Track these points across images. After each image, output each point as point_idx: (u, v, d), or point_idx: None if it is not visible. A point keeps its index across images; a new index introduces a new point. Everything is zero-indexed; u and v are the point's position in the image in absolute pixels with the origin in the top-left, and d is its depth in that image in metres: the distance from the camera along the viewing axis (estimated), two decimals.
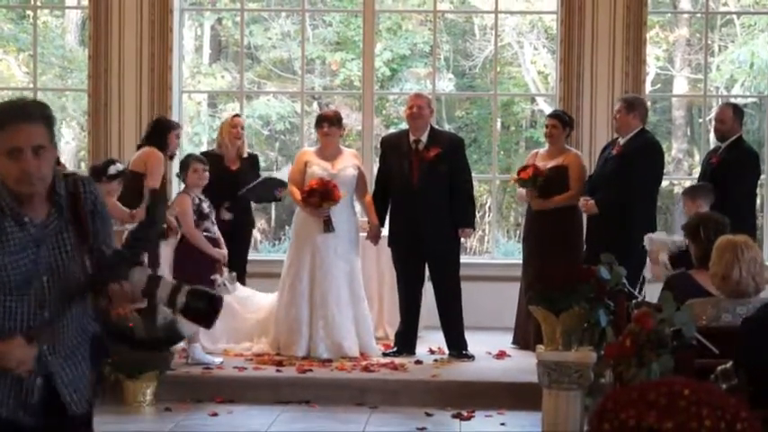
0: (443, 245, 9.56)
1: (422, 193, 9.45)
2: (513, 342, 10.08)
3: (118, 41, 11.56)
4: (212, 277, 8.96)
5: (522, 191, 10.07)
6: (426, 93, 10.96)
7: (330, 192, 9.28)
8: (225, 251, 9.17)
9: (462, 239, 9.90)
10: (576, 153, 10.08)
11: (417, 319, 9.77)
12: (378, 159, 10.60)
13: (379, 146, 10.35)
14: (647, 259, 8.67)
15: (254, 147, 16.23)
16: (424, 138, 9.57)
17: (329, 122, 9.66)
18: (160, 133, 9.70)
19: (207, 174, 9.17)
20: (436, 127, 10.14)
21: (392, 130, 15.05)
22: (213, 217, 9.23)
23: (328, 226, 9.36)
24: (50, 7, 16.21)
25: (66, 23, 17.25)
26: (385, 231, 9.90)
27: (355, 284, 9.60)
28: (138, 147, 9.85)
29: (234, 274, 9.22)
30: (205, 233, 9.09)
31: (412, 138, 9.60)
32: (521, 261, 10.18)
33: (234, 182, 9.98)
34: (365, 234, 9.82)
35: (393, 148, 9.72)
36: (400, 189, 9.59)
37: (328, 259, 9.43)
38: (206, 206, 9.15)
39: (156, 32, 11.55)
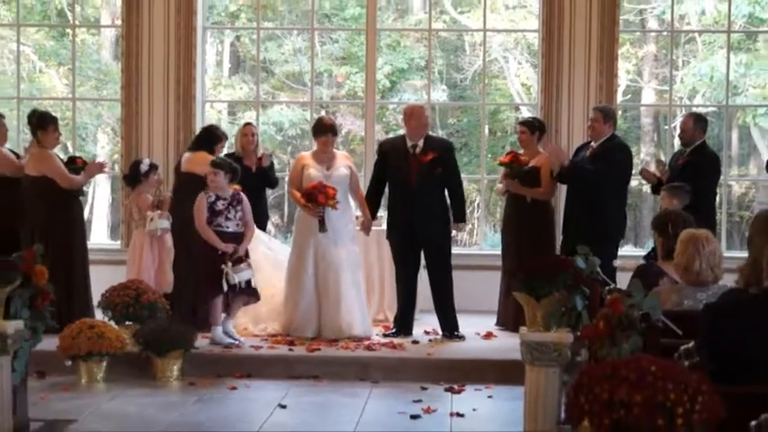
0: (437, 236, 9.59)
1: (419, 191, 9.47)
2: (497, 323, 10.11)
3: (148, 56, 11.56)
4: (221, 267, 8.97)
5: (500, 186, 10.26)
6: (422, 102, 10.98)
7: (326, 193, 9.30)
8: (231, 247, 9.06)
9: (454, 232, 9.94)
10: (547, 155, 10.09)
11: (414, 303, 9.79)
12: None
13: (377, 148, 10.34)
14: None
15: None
16: (420, 143, 9.58)
17: (332, 132, 9.70)
18: (210, 142, 9.79)
19: (219, 177, 9.09)
20: (430, 133, 10.13)
21: (391, 136, 15.05)
22: (232, 214, 9.20)
23: (322, 226, 9.36)
24: (87, 26, 16.20)
25: (101, 40, 17.23)
26: (384, 224, 9.95)
27: (356, 273, 9.62)
28: (189, 149, 9.92)
29: (248, 261, 9.19)
30: (217, 228, 9.06)
31: (410, 143, 9.60)
32: None
33: (254, 180, 10.12)
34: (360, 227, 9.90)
35: (392, 152, 9.71)
36: (400, 188, 9.60)
37: (329, 251, 9.46)
38: (221, 204, 9.13)
39: (182, 48, 11.55)
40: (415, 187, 9.48)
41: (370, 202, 9.81)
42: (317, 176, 9.46)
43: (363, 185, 10.13)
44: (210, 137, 9.93)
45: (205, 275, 9.05)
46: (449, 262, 9.66)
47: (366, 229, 9.83)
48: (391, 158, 9.69)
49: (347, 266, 9.50)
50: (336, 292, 9.41)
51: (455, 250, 10.11)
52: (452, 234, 9.89)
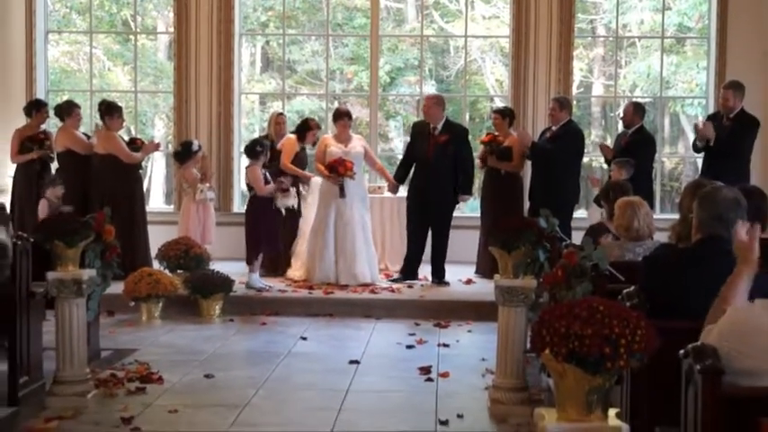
0: (443, 203, 9.61)
1: (433, 165, 9.49)
2: (476, 272, 10.10)
3: (195, 57, 11.51)
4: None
5: (479, 161, 10.20)
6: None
7: (345, 166, 9.31)
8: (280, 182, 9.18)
9: (461, 203, 9.89)
10: (517, 136, 10.04)
11: (421, 255, 9.75)
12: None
13: (410, 128, 10.39)
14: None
15: None
16: (440, 126, 9.58)
17: (348, 117, 9.75)
18: (302, 129, 9.87)
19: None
20: (450, 119, 10.08)
21: (390, 121, 15.02)
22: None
23: (342, 192, 9.36)
24: (146, 33, 16.08)
25: (158, 44, 17.10)
26: (402, 192, 9.99)
27: (366, 231, 9.61)
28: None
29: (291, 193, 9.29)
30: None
31: (431, 125, 9.59)
32: None
33: (280, 158, 9.95)
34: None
35: (418, 132, 9.80)
36: (420, 162, 9.64)
37: (346, 214, 9.45)
38: (268, 175, 9.21)
39: (222, 51, 11.50)
40: (431, 161, 9.48)
41: (401, 171, 9.87)
42: (337, 153, 9.47)
43: None
44: (304, 126, 9.94)
45: (267, 231, 9.13)
46: (448, 225, 9.66)
47: (393, 189, 9.92)
48: (417, 137, 9.73)
49: (360, 226, 9.50)
50: (352, 247, 9.41)
51: None
52: (458, 204, 9.87)
